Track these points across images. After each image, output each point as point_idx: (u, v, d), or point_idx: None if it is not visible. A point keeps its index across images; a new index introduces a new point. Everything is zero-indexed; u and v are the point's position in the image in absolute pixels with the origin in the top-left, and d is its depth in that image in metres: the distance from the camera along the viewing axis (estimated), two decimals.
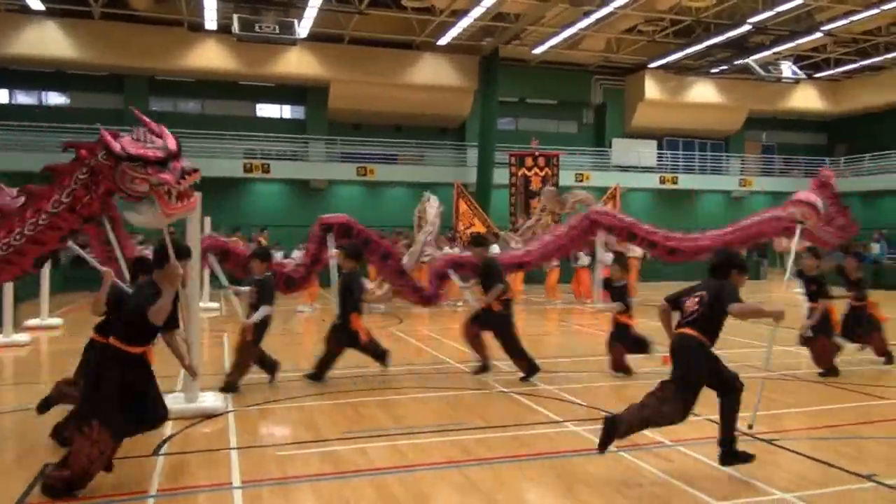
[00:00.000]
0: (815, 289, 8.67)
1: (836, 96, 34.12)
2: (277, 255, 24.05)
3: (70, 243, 6.26)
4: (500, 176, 26.00)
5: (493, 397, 7.55)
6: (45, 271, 12.61)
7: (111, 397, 4.66)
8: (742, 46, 27.53)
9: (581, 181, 29.41)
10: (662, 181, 31.87)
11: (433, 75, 28.56)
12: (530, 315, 15.54)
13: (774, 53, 28.61)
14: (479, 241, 9.19)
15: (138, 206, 5.43)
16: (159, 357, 5.10)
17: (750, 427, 5.66)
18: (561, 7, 23.77)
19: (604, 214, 13.55)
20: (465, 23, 24.65)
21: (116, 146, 5.19)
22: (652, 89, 31.56)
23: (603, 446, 4.87)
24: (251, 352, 7.75)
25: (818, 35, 26.07)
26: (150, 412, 4.87)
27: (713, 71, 30.73)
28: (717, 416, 5.86)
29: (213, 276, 10.16)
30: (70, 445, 4.83)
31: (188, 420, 6.45)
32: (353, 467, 5.26)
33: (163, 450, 5.64)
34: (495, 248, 17.43)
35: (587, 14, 24.16)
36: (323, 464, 5.35)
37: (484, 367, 8.67)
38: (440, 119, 30.61)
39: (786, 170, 34.98)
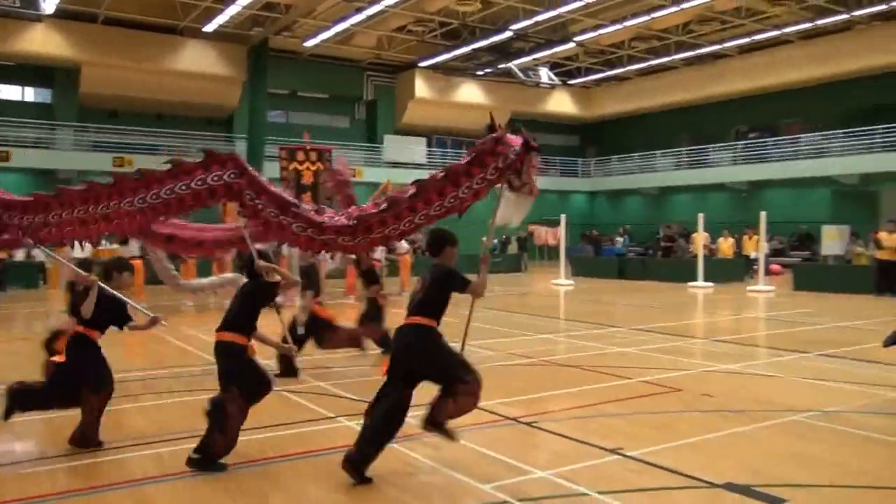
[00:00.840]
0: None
1: (587, 102, 37.38)
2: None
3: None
4: (271, 169, 25.31)
5: (268, 397, 7.25)
6: None
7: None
8: (505, 51, 29.24)
9: (354, 177, 29.49)
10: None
11: (198, 63, 27.16)
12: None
13: (533, 59, 30.72)
14: None
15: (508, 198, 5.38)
16: None
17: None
18: (333, 1, 23.67)
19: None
20: (232, 10, 23.74)
21: (530, 139, 5.33)
22: (422, 88, 32.49)
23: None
24: None
25: (571, 45, 28.37)
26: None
27: (479, 73, 32.32)
28: (485, 403, 6.09)
29: None
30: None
31: None
32: (109, 480, 4.79)
33: None
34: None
35: (359, 10, 24.29)
36: (73, 479, 4.83)
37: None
38: (206, 109, 29.21)
39: (544, 169, 37.64)
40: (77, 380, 5.42)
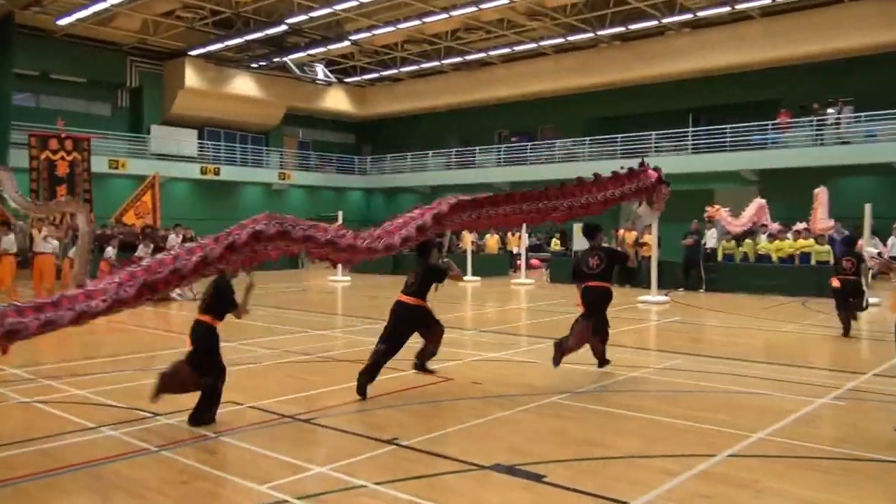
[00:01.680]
0: None
1: (362, 101, 37.78)
2: None
3: None
4: (19, 158, 22.78)
5: (10, 410, 6.59)
6: None
7: None
8: (280, 45, 28.71)
9: (117, 168, 27.47)
10: (204, 171, 31.50)
11: None
12: None
13: (309, 55, 30.47)
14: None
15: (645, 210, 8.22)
16: None
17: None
18: None
19: None
20: None
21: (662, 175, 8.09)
22: (192, 78, 30.94)
23: None
24: None
25: (347, 43, 28.51)
26: None
27: (253, 66, 31.42)
28: (261, 402, 6.04)
29: None
30: None
31: None
32: None
33: None
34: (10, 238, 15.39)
35: None
36: None
37: None
38: None
39: (321, 165, 37.55)
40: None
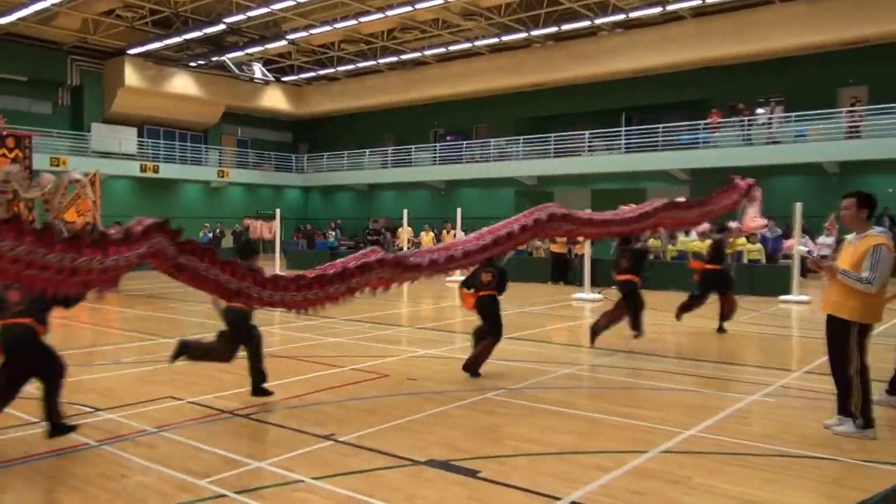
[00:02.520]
0: None
1: (299, 100, 37.50)
2: None
3: None
4: None
5: None
6: None
7: None
8: (219, 44, 28.37)
9: (58, 166, 26.76)
10: (143, 169, 30.99)
11: None
12: None
13: (247, 54, 30.16)
14: None
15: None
16: None
17: None
18: None
19: None
20: None
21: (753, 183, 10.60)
22: (132, 76, 30.47)
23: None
24: None
25: (284, 42, 28.32)
26: None
27: (192, 64, 30.97)
28: (200, 398, 6.12)
29: None
30: None
31: None
32: None
33: None
34: None
35: None
36: None
37: None
38: None
39: (258, 163, 37.17)
40: None
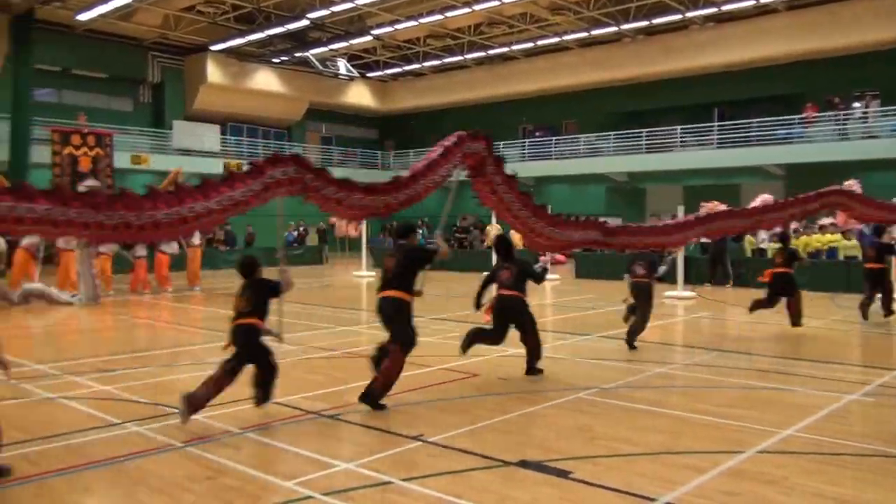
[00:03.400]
0: None
1: (384, 96, 37.72)
2: None
3: None
4: (41, 154, 22.94)
5: (35, 406, 6.60)
6: None
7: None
8: (302, 40, 28.70)
9: (139, 164, 27.64)
10: (226, 167, 31.59)
11: None
12: (83, 309, 14.09)
13: (331, 50, 30.46)
14: None
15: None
16: None
17: None
18: None
19: None
20: None
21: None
22: (214, 73, 31.02)
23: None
24: None
25: (369, 38, 28.47)
26: None
27: (275, 60, 31.45)
28: (287, 398, 6.01)
29: None
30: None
31: None
32: None
33: None
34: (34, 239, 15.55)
35: None
36: None
37: None
38: None
39: (343, 160, 37.57)
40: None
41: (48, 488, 4.52)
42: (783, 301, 10.99)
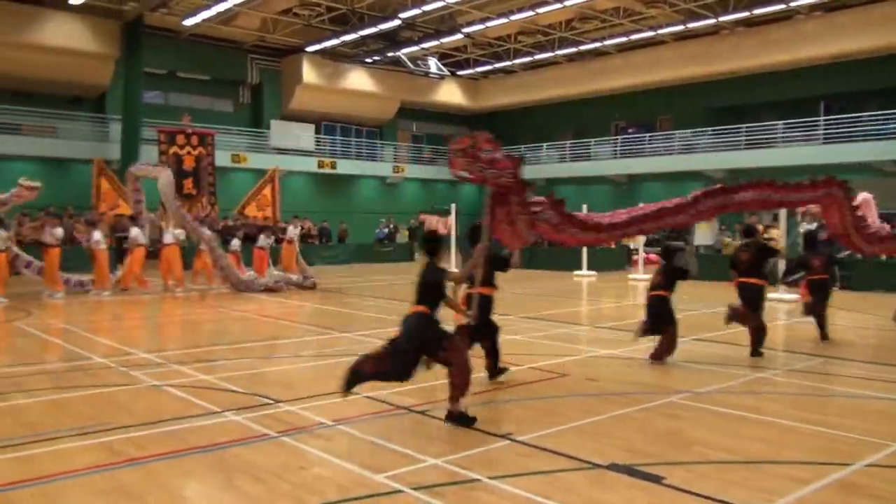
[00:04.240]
0: None
1: (475, 93, 37.75)
2: None
3: None
4: (149, 153, 24.13)
5: (142, 393, 6.95)
6: None
7: None
8: (394, 40, 29.06)
9: (238, 162, 28.67)
10: (321, 165, 32.42)
11: (65, 38, 25.41)
12: (186, 301, 14.75)
13: (422, 49, 30.71)
14: None
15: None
16: None
17: None
18: None
19: None
20: None
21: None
22: (309, 73, 31.81)
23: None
24: None
25: (459, 36, 28.55)
26: None
27: (368, 60, 31.98)
28: (376, 392, 6.11)
29: None
30: None
31: None
32: None
33: None
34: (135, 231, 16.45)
35: None
36: None
37: None
38: (74, 87, 27.41)
39: (434, 158, 37.85)
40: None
41: (153, 472, 4.74)
42: None
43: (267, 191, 20.46)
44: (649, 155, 30.83)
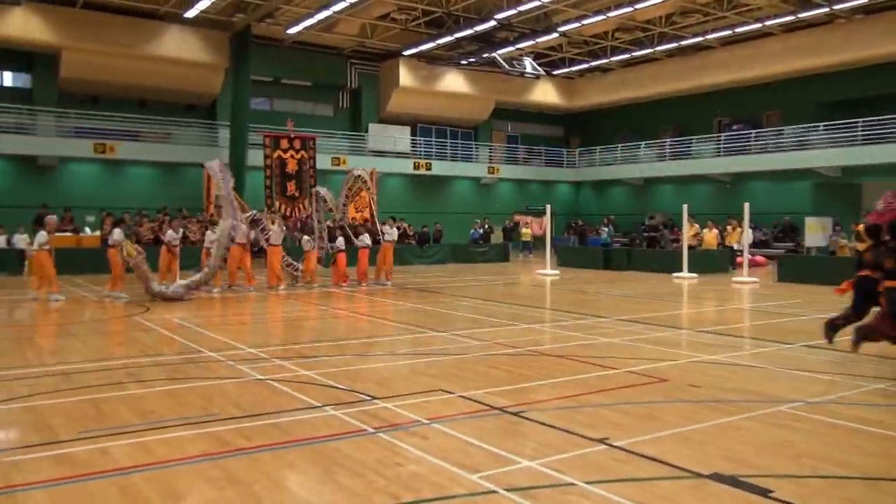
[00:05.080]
0: None
1: (570, 93, 37.35)
2: None
3: None
4: (255, 157, 25.13)
5: (248, 386, 7.24)
6: None
7: None
8: (489, 41, 29.11)
9: (338, 165, 29.41)
10: (416, 167, 32.85)
11: (180, 49, 26.88)
12: (289, 299, 15.24)
13: (517, 49, 30.64)
14: None
15: None
16: None
17: None
18: None
19: None
20: None
21: None
22: (406, 77, 32.30)
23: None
24: None
25: (555, 35, 28.30)
26: None
27: (463, 62, 32.17)
28: (471, 392, 6.11)
29: None
30: None
31: None
32: (93, 469, 4.73)
33: None
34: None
35: None
36: (57, 467, 4.77)
37: None
38: (188, 96, 28.94)
39: (528, 159, 37.67)
40: None
41: (258, 461, 4.92)
42: None
43: (365, 193, 20.92)
44: (755, 152, 29.62)
